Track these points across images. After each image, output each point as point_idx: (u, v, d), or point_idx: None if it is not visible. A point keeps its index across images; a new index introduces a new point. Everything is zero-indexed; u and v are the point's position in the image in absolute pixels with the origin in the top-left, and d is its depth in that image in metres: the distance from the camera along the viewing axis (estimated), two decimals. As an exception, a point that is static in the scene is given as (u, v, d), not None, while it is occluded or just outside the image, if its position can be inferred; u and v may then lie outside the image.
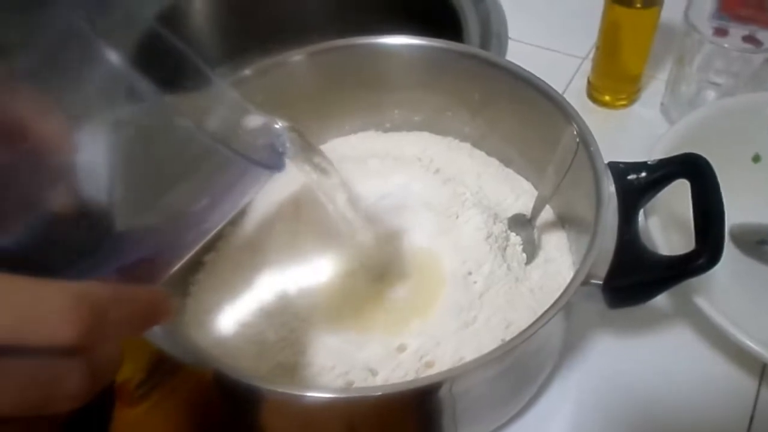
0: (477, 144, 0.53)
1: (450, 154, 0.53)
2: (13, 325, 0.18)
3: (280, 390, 0.32)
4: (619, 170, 0.40)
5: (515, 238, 0.47)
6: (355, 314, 0.42)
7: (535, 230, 0.47)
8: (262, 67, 0.48)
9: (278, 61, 0.49)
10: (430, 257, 0.43)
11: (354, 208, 0.41)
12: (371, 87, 0.52)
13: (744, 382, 0.44)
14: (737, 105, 0.53)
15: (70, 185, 0.22)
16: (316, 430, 0.39)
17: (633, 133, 0.60)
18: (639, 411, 0.44)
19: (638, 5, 0.56)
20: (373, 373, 0.39)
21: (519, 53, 0.65)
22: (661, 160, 0.39)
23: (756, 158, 0.53)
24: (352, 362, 0.39)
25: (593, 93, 0.63)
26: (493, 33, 0.67)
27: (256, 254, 0.46)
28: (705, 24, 0.58)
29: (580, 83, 0.65)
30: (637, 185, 0.39)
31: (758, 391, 0.44)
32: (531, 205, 0.47)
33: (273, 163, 0.25)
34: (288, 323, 0.42)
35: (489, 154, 0.53)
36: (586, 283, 0.35)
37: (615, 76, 0.62)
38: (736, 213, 0.45)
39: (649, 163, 0.40)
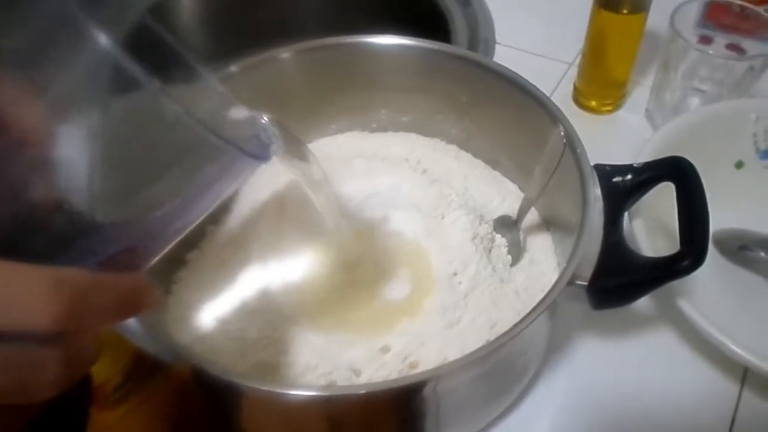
0: (464, 146, 0.53)
1: (437, 156, 0.53)
2: None
3: (261, 387, 0.31)
4: (605, 172, 0.40)
5: (501, 240, 0.47)
6: (340, 314, 0.41)
7: (521, 232, 0.47)
8: (248, 64, 0.48)
9: (265, 58, 0.48)
10: (419, 257, 0.43)
11: (339, 203, 0.41)
12: (359, 87, 0.51)
13: (726, 386, 0.45)
14: (721, 111, 0.53)
15: (49, 176, 0.21)
16: (298, 430, 0.38)
17: (618, 138, 0.61)
18: (622, 413, 0.44)
19: (625, 11, 0.56)
20: (357, 373, 0.39)
21: (506, 58, 0.65)
22: (646, 163, 0.40)
23: (739, 164, 0.53)
24: (335, 362, 0.39)
25: (579, 98, 0.64)
26: (480, 37, 0.67)
27: (239, 252, 0.46)
28: (690, 32, 0.59)
29: (567, 88, 0.65)
30: (623, 187, 0.40)
31: (740, 394, 0.44)
32: (517, 207, 0.47)
33: (260, 153, 0.24)
34: (271, 321, 0.41)
35: (475, 155, 0.53)
36: (571, 283, 0.35)
37: (601, 82, 0.62)
38: (719, 219, 0.45)
39: (634, 165, 0.40)
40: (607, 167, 0.40)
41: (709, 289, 0.46)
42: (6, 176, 0.21)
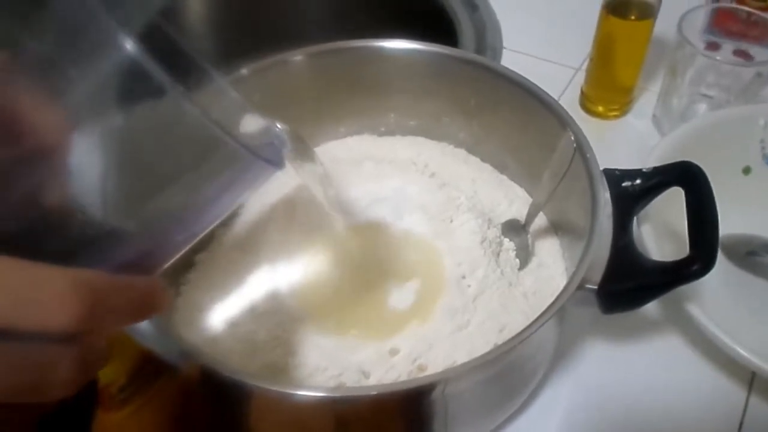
0: (472, 150, 0.54)
1: (444, 159, 0.53)
2: (11, 307, 0.18)
3: (272, 388, 0.31)
4: (615, 177, 0.40)
5: (509, 244, 0.47)
6: (349, 316, 0.41)
7: (529, 236, 0.47)
8: (259, 67, 0.48)
9: (276, 61, 0.49)
10: (429, 260, 0.43)
11: (347, 206, 0.41)
12: (368, 90, 0.52)
13: (733, 391, 0.45)
14: (729, 117, 0.53)
15: (65, 182, 0.21)
16: (306, 430, 0.38)
17: (625, 144, 0.61)
18: (628, 418, 0.44)
19: (633, 17, 0.56)
20: (366, 375, 0.39)
21: (513, 63, 0.65)
22: (656, 168, 0.40)
23: (746, 170, 0.53)
24: (344, 364, 0.39)
25: (586, 103, 0.64)
26: (487, 42, 0.67)
27: (248, 254, 0.46)
28: (697, 38, 0.59)
29: (574, 93, 0.65)
30: (632, 192, 0.40)
31: (747, 399, 0.44)
32: (524, 211, 0.47)
33: (275, 160, 0.25)
34: (280, 323, 0.41)
35: (483, 160, 0.53)
36: (581, 287, 0.35)
37: (608, 87, 0.62)
38: (726, 224, 0.45)
39: (644, 170, 0.40)
40: (616, 172, 0.40)
41: (717, 295, 0.46)
42: (21, 181, 0.21)
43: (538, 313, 0.34)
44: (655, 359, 0.46)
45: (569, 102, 0.65)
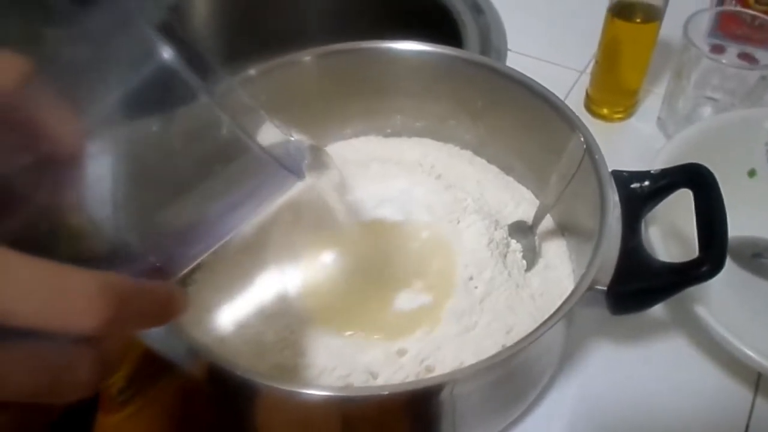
0: (478, 151, 0.54)
1: (451, 161, 0.53)
2: (39, 307, 0.18)
3: (283, 387, 0.31)
4: (623, 179, 0.40)
5: (516, 245, 0.47)
6: (357, 317, 0.41)
7: (536, 238, 0.47)
8: (266, 68, 0.48)
9: (283, 62, 0.49)
10: (438, 261, 0.43)
11: (356, 207, 0.41)
12: (375, 91, 0.52)
13: (739, 392, 0.45)
14: (734, 120, 0.53)
15: (79, 192, 0.21)
16: (309, 429, 0.38)
17: (629, 146, 0.61)
18: (635, 420, 0.44)
19: (638, 20, 0.57)
20: (374, 376, 0.39)
21: (518, 65, 0.65)
22: (664, 170, 0.40)
23: (752, 173, 0.54)
24: (352, 365, 0.39)
25: (591, 106, 0.64)
26: (492, 45, 0.67)
27: (255, 255, 0.46)
28: (702, 41, 0.59)
29: (578, 96, 0.65)
30: (641, 194, 0.40)
31: (753, 401, 0.44)
32: (531, 212, 0.47)
33: (296, 170, 0.24)
34: (288, 324, 0.41)
35: (490, 161, 0.53)
36: (590, 288, 0.35)
37: (613, 90, 0.63)
38: (732, 227, 0.46)
39: (652, 172, 0.40)
40: (624, 173, 0.40)
41: (723, 297, 0.47)
42: (36, 189, 0.21)
43: (546, 315, 0.34)
44: (662, 361, 0.47)
45: (574, 104, 0.64)
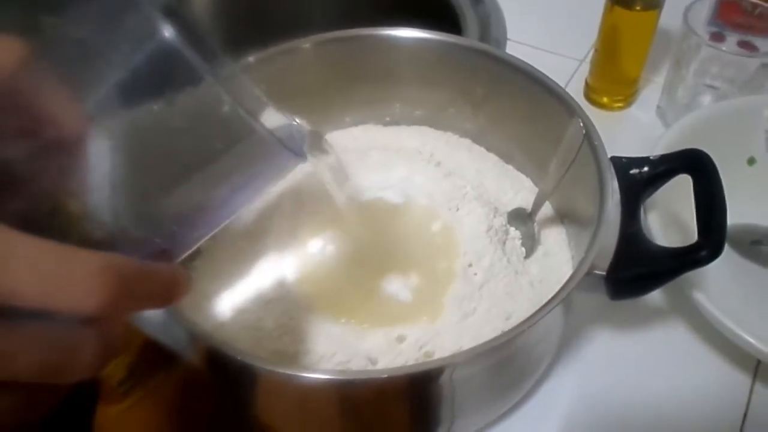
0: (477, 140, 0.54)
1: (450, 149, 0.53)
2: (41, 288, 0.18)
3: (281, 371, 0.32)
4: (622, 165, 0.40)
5: (515, 233, 0.47)
6: (357, 303, 0.41)
7: (535, 225, 0.47)
8: (265, 56, 0.48)
9: (282, 49, 0.48)
10: (438, 248, 0.43)
11: (356, 194, 0.41)
12: (374, 79, 0.52)
13: (738, 379, 0.45)
14: (734, 108, 0.53)
15: (82, 179, 0.21)
16: (313, 415, 0.38)
17: (629, 135, 0.61)
18: (633, 406, 0.44)
19: (638, 8, 0.56)
20: (373, 362, 0.39)
21: (517, 55, 0.65)
22: (663, 156, 0.40)
23: (751, 161, 0.54)
24: (352, 351, 0.39)
25: (591, 94, 0.64)
26: (492, 34, 0.67)
27: (255, 242, 0.46)
28: (702, 30, 0.59)
29: (578, 85, 0.65)
30: (640, 180, 0.40)
31: (752, 387, 0.44)
32: (530, 200, 0.47)
33: (299, 152, 0.24)
34: (288, 311, 0.41)
35: (489, 150, 0.53)
36: (589, 273, 0.35)
37: (613, 78, 0.62)
38: (731, 214, 0.46)
39: (651, 158, 0.40)
40: (623, 159, 0.40)
41: (722, 284, 0.47)
42: (38, 174, 0.21)
43: (544, 301, 0.34)
44: (660, 348, 0.47)
45: (574, 93, 0.63)
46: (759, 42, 0.58)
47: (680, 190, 0.41)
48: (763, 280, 0.49)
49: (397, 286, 0.42)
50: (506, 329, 0.39)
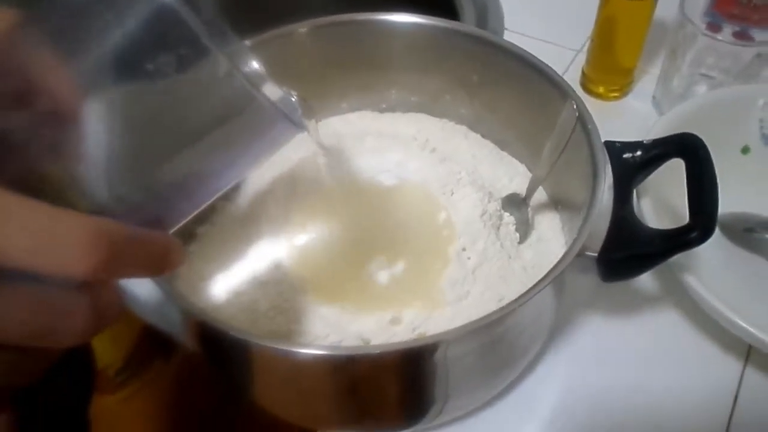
0: (473, 127, 0.54)
1: (445, 136, 0.53)
2: (31, 248, 0.18)
3: (274, 346, 0.32)
4: (615, 149, 0.40)
5: (509, 218, 0.47)
6: (351, 286, 0.42)
7: (529, 210, 0.47)
8: (261, 40, 0.48)
9: (278, 33, 0.48)
10: (432, 232, 0.43)
11: (351, 177, 0.41)
12: (370, 65, 0.52)
13: (729, 364, 0.45)
14: (728, 96, 0.54)
15: (76, 149, 0.21)
16: (308, 397, 0.39)
17: (625, 125, 0.61)
18: (625, 390, 0.44)
19: (634, -4, 0.57)
20: (366, 343, 0.39)
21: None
22: (656, 140, 0.40)
23: (745, 150, 0.54)
24: (345, 332, 0.39)
25: (587, 84, 0.64)
26: (489, 24, 0.67)
27: (250, 226, 0.46)
28: (698, 20, 0.59)
29: (575, 75, 0.66)
30: (633, 163, 0.40)
31: (742, 372, 0.45)
32: (525, 187, 0.47)
33: (298, 122, 0.25)
34: (282, 293, 0.42)
35: (485, 136, 0.53)
36: (581, 254, 0.35)
37: (609, 68, 0.63)
38: (725, 203, 0.46)
39: (644, 142, 0.40)
40: (617, 144, 0.40)
41: (715, 271, 0.47)
42: (29, 141, 0.21)
43: (538, 283, 0.34)
44: (652, 333, 0.47)
45: (570, 83, 0.64)
46: (754, 32, 0.58)
47: (672, 176, 0.41)
48: (756, 267, 0.49)
49: (391, 269, 0.43)
50: (499, 311, 0.40)
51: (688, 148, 0.38)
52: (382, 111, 0.55)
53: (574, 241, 0.35)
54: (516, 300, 0.32)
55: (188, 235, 0.47)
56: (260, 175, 0.49)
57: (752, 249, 0.50)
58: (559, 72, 0.66)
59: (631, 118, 0.62)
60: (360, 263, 0.43)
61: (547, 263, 0.45)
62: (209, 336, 0.37)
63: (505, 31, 0.67)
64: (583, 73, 0.65)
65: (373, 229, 0.44)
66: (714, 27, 0.60)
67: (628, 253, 0.36)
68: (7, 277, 0.18)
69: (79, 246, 0.19)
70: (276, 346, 0.32)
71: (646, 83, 0.65)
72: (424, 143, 0.52)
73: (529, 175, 0.51)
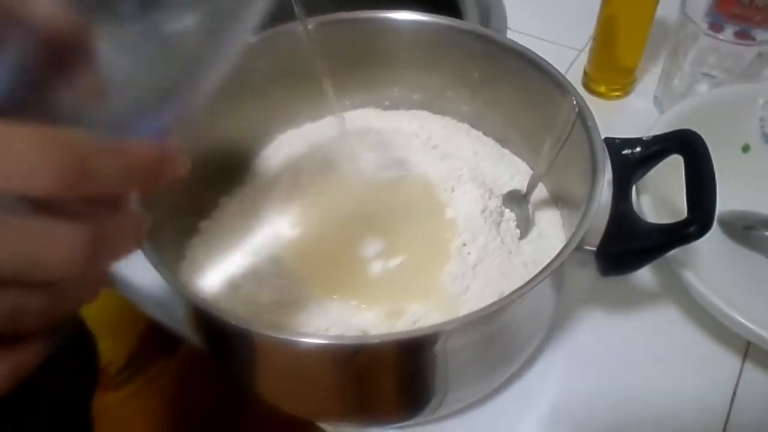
0: (475, 124, 0.54)
1: (447, 133, 0.54)
2: None
3: (276, 335, 0.32)
4: (615, 145, 0.41)
5: (509, 214, 0.47)
6: (352, 280, 0.42)
7: (530, 206, 0.47)
8: (266, 36, 0.48)
9: (281, 31, 0.49)
10: (433, 230, 0.44)
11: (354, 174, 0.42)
12: (373, 63, 0.52)
13: (728, 360, 0.45)
14: (729, 95, 0.54)
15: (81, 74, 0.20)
16: (309, 387, 0.39)
17: (626, 124, 0.61)
18: (624, 385, 0.45)
19: (636, -5, 0.57)
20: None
21: (517, 43, 0.66)
22: (655, 136, 0.40)
23: (745, 148, 0.54)
24: (346, 325, 0.40)
25: (589, 83, 0.65)
26: (492, 23, 0.68)
27: (252, 220, 0.46)
28: (699, 20, 0.59)
29: (577, 74, 0.66)
30: (632, 160, 0.40)
31: (741, 368, 0.45)
32: (526, 184, 0.48)
33: None
34: (283, 287, 0.42)
35: (486, 134, 0.54)
36: (580, 248, 0.36)
37: (611, 68, 0.63)
38: (725, 200, 0.46)
39: (644, 138, 0.41)
40: (616, 140, 0.41)
41: (714, 269, 0.47)
42: (22, 59, 0.19)
43: (538, 278, 0.34)
44: (651, 329, 0.47)
45: (572, 83, 0.65)
46: (756, 32, 0.59)
47: (672, 173, 0.41)
48: (755, 265, 0.50)
49: (392, 264, 0.43)
50: (499, 305, 0.40)
51: (687, 144, 0.38)
52: (384, 108, 0.56)
53: (573, 234, 0.35)
54: (515, 291, 0.33)
55: (190, 229, 0.47)
56: (263, 169, 0.49)
57: (752, 246, 0.50)
58: (562, 71, 0.67)
59: (632, 117, 0.63)
60: (361, 258, 0.43)
61: (547, 259, 0.45)
62: (211, 326, 0.37)
63: (508, 31, 0.67)
64: (585, 72, 0.65)
65: (374, 224, 0.44)
66: (715, 27, 0.61)
67: (626, 247, 0.37)
68: None
69: (35, 157, 0.17)
70: (277, 335, 0.32)
71: (648, 82, 0.65)
72: (426, 140, 0.53)
73: (530, 172, 0.51)
